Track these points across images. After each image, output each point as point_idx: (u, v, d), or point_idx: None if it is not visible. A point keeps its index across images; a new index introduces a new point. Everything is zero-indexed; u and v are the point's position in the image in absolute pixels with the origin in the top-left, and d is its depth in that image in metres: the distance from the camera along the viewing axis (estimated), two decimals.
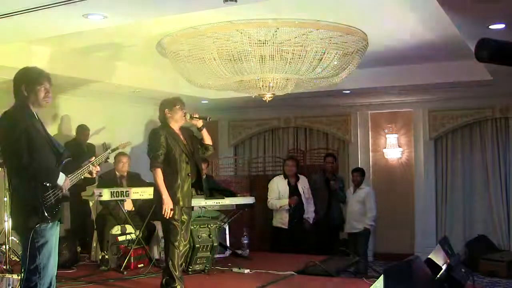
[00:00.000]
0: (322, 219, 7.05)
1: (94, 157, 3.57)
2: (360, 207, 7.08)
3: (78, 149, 6.62)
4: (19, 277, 3.36)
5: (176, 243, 4.45)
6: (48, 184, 3.12)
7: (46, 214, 3.08)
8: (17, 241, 4.60)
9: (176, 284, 4.40)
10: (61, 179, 3.20)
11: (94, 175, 3.54)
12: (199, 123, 4.72)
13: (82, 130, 7.04)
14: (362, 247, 7.04)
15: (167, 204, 4.36)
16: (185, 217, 4.58)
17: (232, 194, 6.41)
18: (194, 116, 4.68)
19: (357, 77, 6.41)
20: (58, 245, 3.31)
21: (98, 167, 3.51)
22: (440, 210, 8.47)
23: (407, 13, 4.69)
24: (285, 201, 6.67)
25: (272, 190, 6.82)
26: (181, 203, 4.47)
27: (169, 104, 4.64)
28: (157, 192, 4.50)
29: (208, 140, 4.78)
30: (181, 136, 4.63)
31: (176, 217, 4.44)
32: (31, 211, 3.09)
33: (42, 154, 3.17)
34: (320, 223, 7.00)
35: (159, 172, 4.43)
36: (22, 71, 3.33)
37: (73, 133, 7.16)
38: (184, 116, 4.63)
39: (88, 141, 7.15)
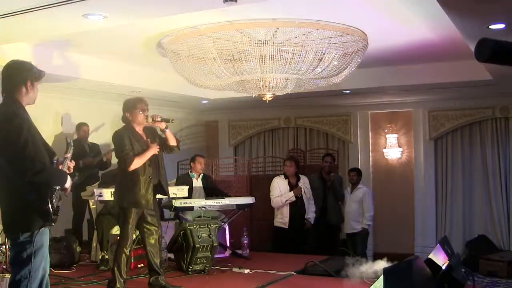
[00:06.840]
0: (319, 217, 7.05)
1: (68, 153, 3.37)
2: (357, 207, 7.11)
3: (80, 148, 6.61)
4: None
5: (125, 249, 4.48)
6: (58, 187, 3.08)
7: (53, 217, 3.03)
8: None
9: (118, 286, 4.42)
10: (68, 181, 3.20)
11: (71, 170, 3.35)
12: (162, 125, 4.62)
13: (81, 127, 7.03)
14: (361, 247, 7.06)
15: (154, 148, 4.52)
16: (149, 218, 4.57)
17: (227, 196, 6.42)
18: (156, 120, 4.59)
19: (357, 77, 6.39)
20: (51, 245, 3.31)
21: (73, 162, 3.34)
22: (440, 210, 8.47)
23: (407, 13, 4.68)
24: (290, 194, 6.68)
25: (274, 188, 6.81)
26: (140, 204, 4.45)
27: (130, 106, 4.56)
28: (118, 194, 4.55)
29: (172, 141, 4.68)
30: (144, 137, 4.59)
31: (130, 220, 4.45)
32: (35, 214, 3.02)
33: (47, 157, 3.12)
34: (317, 222, 7.00)
35: (136, 160, 4.42)
36: (10, 68, 3.18)
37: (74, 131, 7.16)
38: (146, 119, 4.57)
39: (91, 141, 7.15)
